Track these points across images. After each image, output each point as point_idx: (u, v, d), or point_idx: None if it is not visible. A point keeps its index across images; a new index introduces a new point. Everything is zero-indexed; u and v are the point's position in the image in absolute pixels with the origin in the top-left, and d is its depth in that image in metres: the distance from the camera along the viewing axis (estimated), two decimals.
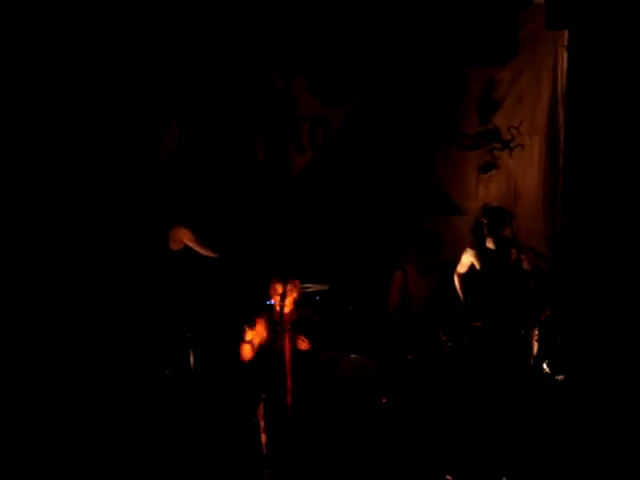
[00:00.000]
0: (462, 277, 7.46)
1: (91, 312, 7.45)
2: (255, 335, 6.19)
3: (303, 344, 6.12)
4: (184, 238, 7.37)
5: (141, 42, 7.89)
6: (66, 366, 7.03)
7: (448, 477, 5.68)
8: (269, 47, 8.15)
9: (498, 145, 8.46)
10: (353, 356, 6.81)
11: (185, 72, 8.07)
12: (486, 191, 8.49)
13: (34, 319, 7.24)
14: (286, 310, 6.05)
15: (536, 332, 7.13)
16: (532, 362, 7.10)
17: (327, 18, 8.07)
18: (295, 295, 6.22)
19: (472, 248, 7.37)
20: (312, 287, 7.40)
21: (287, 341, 5.81)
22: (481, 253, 7.30)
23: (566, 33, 8.10)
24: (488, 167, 8.47)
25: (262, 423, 5.51)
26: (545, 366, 7.07)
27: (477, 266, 7.32)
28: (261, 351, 6.14)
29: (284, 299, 5.98)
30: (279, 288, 6.09)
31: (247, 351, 6.15)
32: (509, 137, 8.44)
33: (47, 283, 7.46)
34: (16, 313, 7.19)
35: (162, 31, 7.91)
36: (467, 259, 7.39)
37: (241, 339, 6.16)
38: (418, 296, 7.33)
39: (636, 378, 6.79)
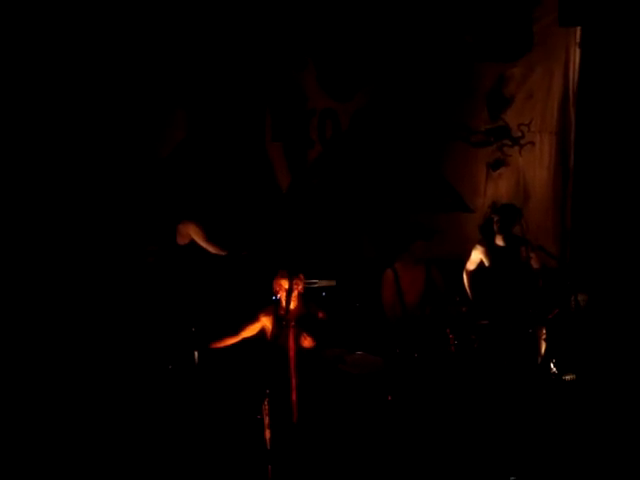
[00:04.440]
0: (471, 274, 7.45)
1: (95, 305, 7.42)
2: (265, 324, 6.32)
3: (306, 341, 6.13)
4: (192, 233, 7.35)
5: (149, 34, 7.88)
6: (70, 360, 7.01)
7: None
8: (279, 40, 8.13)
9: (508, 142, 8.39)
10: (359, 353, 6.77)
11: (193, 64, 8.05)
12: (495, 188, 8.43)
13: (37, 312, 7.22)
14: (291, 306, 6.04)
15: (544, 331, 7.11)
16: (539, 361, 7.07)
17: (339, 11, 8.06)
18: (300, 288, 6.20)
19: (482, 245, 7.37)
20: (319, 283, 7.35)
21: (292, 337, 5.77)
22: (490, 250, 7.29)
23: (579, 30, 8.03)
24: (498, 164, 8.41)
25: (266, 419, 5.46)
26: (552, 366, 7.01)
27: (486, 263, 7.33)
28: (266, 346, 6.13)
29: (289, 293, 5.95)
30: (284, 282, 6.08)
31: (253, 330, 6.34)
32: (519, 134, 8.37)
33: (52, 275, 7.44)
34: (19, 302, 7.18)
35: (171, 23, 7.91)
36: (476, 256, 7.38)
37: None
38: (411, 292, 7.34)
39: None
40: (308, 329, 6.14)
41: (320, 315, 6.40)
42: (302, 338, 6.09)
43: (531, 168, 8.39)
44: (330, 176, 8.45)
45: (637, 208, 7.89)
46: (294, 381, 5.66)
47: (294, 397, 5.66)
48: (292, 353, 5.70)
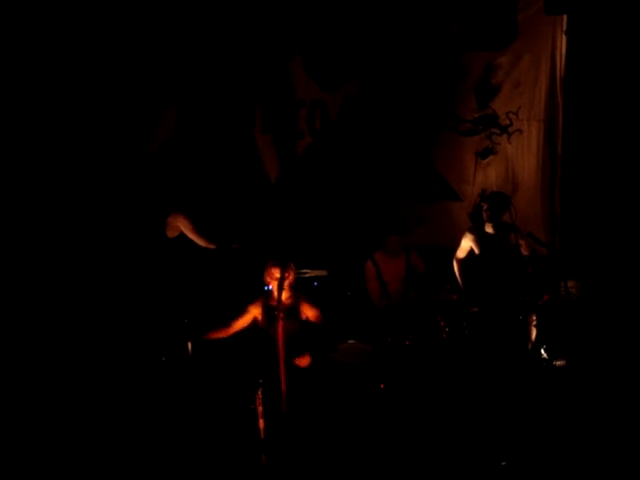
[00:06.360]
0: (461, 262, 7.50)
1: (88, 299, 7.42)
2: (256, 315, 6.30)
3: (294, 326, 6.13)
4: (181, 226, 7.32)
5: (139, 30, 7.87)
6: (63, 354, 7.01)
7: None
8: (267, 31, 8.11)
9: (496, 130, 8.42)
10: (351, 342, 6.79)
11: (182, 57, 8.04)
12: (484, 177, 8.48)
13: (28, 307, 7.22)
14: (282, 297, 6.01)
15: (534, 318, 7.15)
16: (530, 348, 7.11)
17: (326, 1, 8.05)
18: (291, 279, 6.17)
19: (471, 233, 7.42)
20: (310, 273, 7.37)
21: (280, 328, 5.74)
22: (480, 238, 7.34)
23: (565, 18, 8.05)
24: (486, 153, 8.44)
25: (260, 409, 5.49)
26: (543, 352, 7.06)
27: (476, 251, 7.39)
28: (259, 336, 6.14)
29: (281, 283, 5.92)
30: (275, 271, 6.05)
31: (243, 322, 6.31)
32: (507, 122, 8.40)
33: (43, 269, 7.44)
34: (12, 300, 7.18)
35: (160, 18, 7.89)
36: (466, 244, 7.43)
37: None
38: (394, 281, 7.36)
39: (634, 364, 6.80)
40: (297, 319, 6.15)
41: (310, 314, 6.32)
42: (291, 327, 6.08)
43: (520, 156, 8.43)
44: (320, 167, 8.47)
45: (625, 194, 7.93)
46: (283, 371, 5.65)
47: (283, 387, 5.65)
48: (281, 343, 5.68)
